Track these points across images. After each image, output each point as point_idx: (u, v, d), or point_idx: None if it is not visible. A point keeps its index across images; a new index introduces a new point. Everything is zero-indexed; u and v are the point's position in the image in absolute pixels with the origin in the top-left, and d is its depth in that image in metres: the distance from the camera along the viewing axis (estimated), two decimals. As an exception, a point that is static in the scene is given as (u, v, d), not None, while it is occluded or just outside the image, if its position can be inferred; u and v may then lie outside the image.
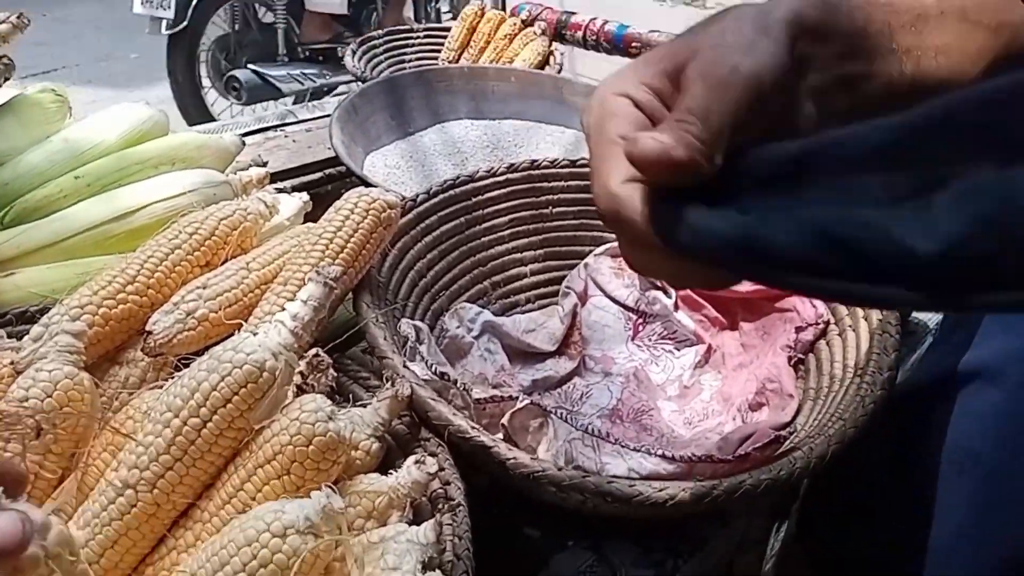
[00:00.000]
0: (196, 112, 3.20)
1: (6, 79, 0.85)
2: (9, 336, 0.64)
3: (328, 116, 1.40)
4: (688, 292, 0.84)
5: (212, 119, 3.08)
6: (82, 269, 0.70)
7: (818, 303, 0.75)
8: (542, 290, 0.91)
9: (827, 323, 0.75)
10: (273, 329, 0.57)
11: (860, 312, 0.72)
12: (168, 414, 0.53)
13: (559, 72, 1.63)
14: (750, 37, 0.41)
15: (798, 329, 0.74)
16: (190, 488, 0.54)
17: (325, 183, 1.24)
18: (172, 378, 0.61)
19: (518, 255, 0.90)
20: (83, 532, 0.52)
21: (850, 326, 0.73)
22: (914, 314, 0.94)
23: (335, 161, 1.18)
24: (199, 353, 0.62)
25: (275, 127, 1.38)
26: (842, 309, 0.75)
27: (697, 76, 0.41)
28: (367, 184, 1.04)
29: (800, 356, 0.74)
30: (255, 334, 0.57)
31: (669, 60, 0.43)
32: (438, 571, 0.48)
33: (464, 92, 1.37)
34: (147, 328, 0.62)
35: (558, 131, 1.34)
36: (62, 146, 0.82)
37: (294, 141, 1.34)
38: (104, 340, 0.63)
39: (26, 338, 0.61)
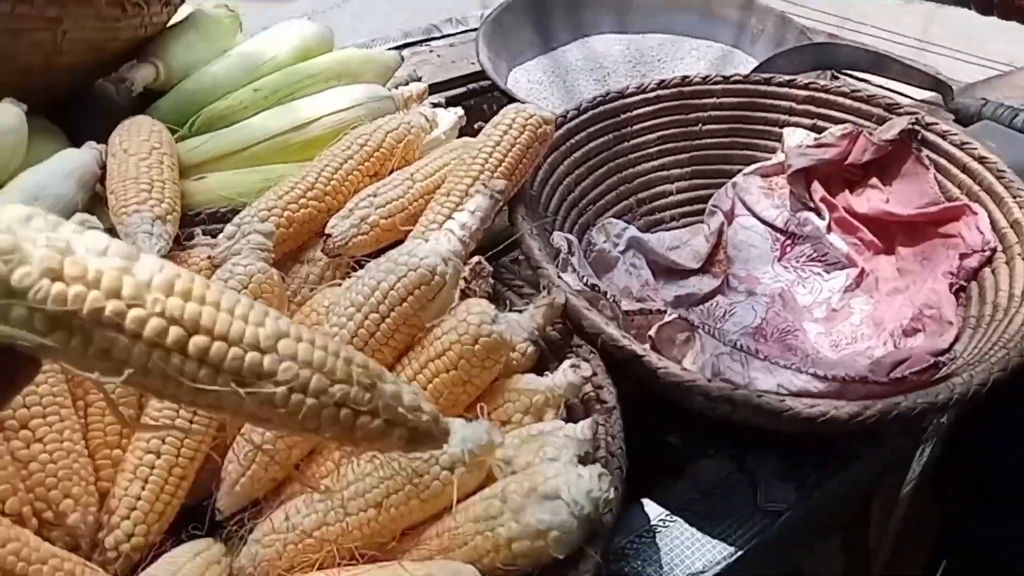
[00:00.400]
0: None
1: (186, -4, 0.91)
2: (203, 234, 0.71)
3: (471, 30, 1.42)
4: (843, 214, 0.82)
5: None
6: (265, 175, 0.77)
7: (985, 229, 0.72)
8: (687, 208, 0.91)
9: (994, 250, 0.72)
10: (443, 236, 0.60)
11: (1033, 240, 0.69)
12: (351, 309, 0.58)
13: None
14: None
15: (962, 256, 0.72)
16: (369, 377, 0.59)
17: (468, 97, 1.25)
18: (348, 276, 0.67)
19: (664, 172, 0.90)
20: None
21: (1019, 254, 0.69)
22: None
23: (478, 75, 1.20)
24: (371, 255, 0.68)
25: (420, 42, 1.40)
26: (1011, 236, 0.71)
27: None
28: (511, 98, 1.06)
29: (962, 283, 0.72)
30: (426, 241, 0.61)
31: None
32: (598, 464, 0.52)
33: (608, 4, 1.35)
34: (326, 231, 0.68)
35: (704, 45, 1.30)
36: (240, 60, 0.88)
37: (439, 56, 1.36)
38: (288, 240, 0.69)
39: (220, 236, 0.68)
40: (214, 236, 0.69)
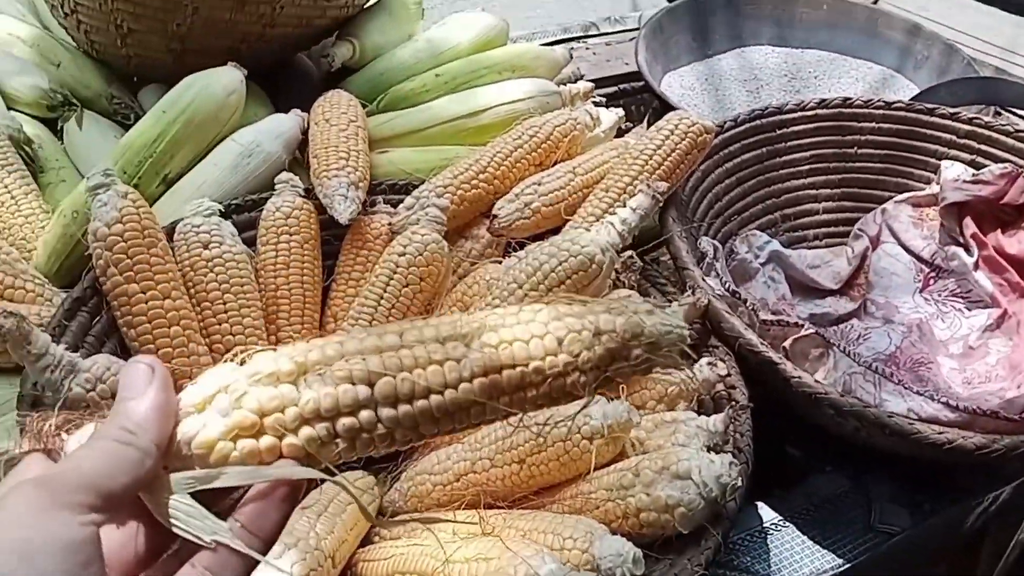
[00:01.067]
0: None
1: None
2: (384, 203, 0.79)
3: (627, 31, 1.46)
4: (992, 253, 0.82)
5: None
6: (441, 155, 0.84)
7: None
8: (831, 229, 0.92)
9: None
10: (604, 228, 0.66)
11: None
12: (513, 285, 0.65)
13: (875, 2, 1.54)
14: None
15: (1116, 309, 0.71)
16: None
17: (620, 97, 1.29)
18: (506, 256, 0.73)
19: (813, 191, 0.92)
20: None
21: None
22: None
23: (631, 76, 1.24)
24: (531, 239, 0.74)
25: (578, 38, 1.45)
26: None
27: None
28: (663, 102, 1.10)
29: (1111, 337, 0.71)
30: (588, 230, 0.66)
31: None
32: (729, 454, 0.56)
33: (770, 17, 1.35)
34: (493, 212, 0.74)
35: (865, 66, 1.29)
36: (425, 45, 0.96)
37: (594, 54, 1.40)
38: (458, 217, 0.76)
39: (400, 206, 0.76)
40: (393, 206, 0.77)
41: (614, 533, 0.54)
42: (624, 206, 0.68)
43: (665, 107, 1.06)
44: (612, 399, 0.59)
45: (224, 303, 0.66)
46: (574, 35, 1.48)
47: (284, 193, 0.73)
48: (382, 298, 0.68)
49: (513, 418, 0.53)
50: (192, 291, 0.67)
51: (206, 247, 0.68)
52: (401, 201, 0.76)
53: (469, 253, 0.76)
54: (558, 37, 1.46)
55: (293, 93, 0.94)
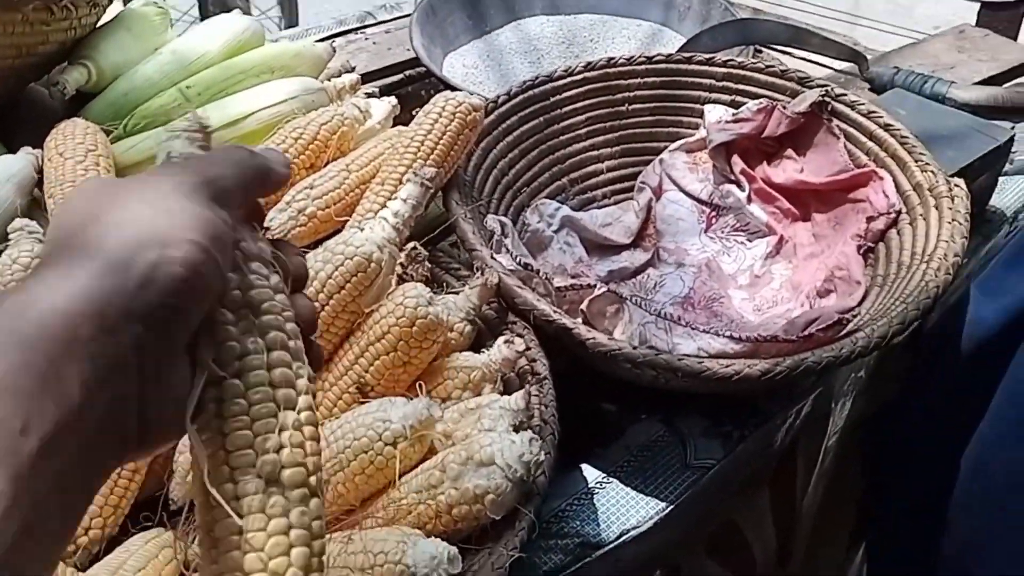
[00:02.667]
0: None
1: (116, -5, 0.92)
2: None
3: (406, 16, 1.43)
4: (761, 185, 0.87)
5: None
6: (202, 173, 0.78)
7: (890, 192, 0.77)
8: (618, 186, 0.94)
9: (899, 212, 0.77)
10: (378, 225, 0.63)
11: (932, 202, 0.74)
12: (290, 299, 0.61)
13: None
14: None
15: (869, 219, 0.77)
16: (312, 362, 0.62)
17: (406, 84, 1.27)
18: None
19: (595, 152, 0.94)
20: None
21: (921, 215, 0.75)
22: (992, 202, 0.95)
23: (415, 62, 1.21)
24: (309, 247, 0.70)
25: (355, 29, 1.41)
26: (914, 198, 0.77)
27: None
28: (447, 85, 1.09)
29: (870, 245, 0.77)
30: (362, 229, 0.63)
31: None
32: (529, 431, 0.55)
33: (540, -14, 1.37)
34: (264, 224, 0.70)
35: (634, 24, 1.34)
36: (171, 58, 0.88)
37: (374, 43, 1.37)
38: (228, 236, 0.70)
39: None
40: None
41: (430, 535, 0.52)
42: (396, 198, 0.66)
43: (451, 90, 1.05)
44: (411, 398, 0.57)
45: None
46: (351, 27, 1.44)
47: (20, 242, 0.65)
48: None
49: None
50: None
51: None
52: (163, 229, 0.70)
53: (248, 272, 0.71)
54: (333, 31, 1.41)
55: (31, 129, 0.84)
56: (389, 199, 0.70)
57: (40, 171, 0.74)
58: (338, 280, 0.60)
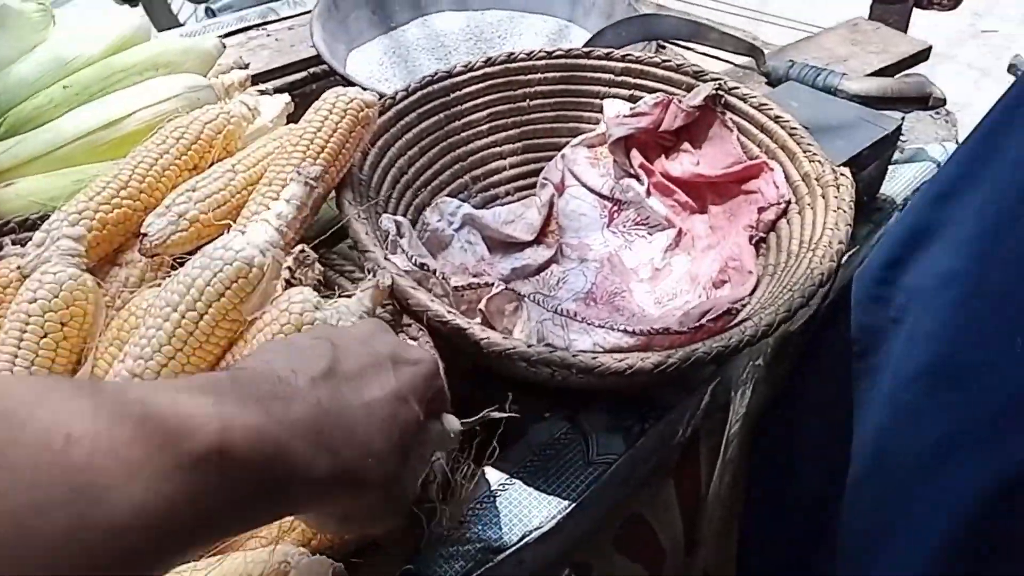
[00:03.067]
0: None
1: (-16, -10, 0.86)
2: (13, 243, 0.69)
3: (309, 12, 1.40)
4: (660, 178, 0.87)
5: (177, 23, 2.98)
6: (77, 177, 0.74)
7: (780, 183, 0.79)
8: (521, 182, 0.94)
9: (788, 203, 0.78)
10: (259, 227, 0.61)
11: (819, 191, 0.76)
12: (167, 308, 0.58)
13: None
14: None
15: (760, 209, 0.78)
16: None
17: (310, 82, 1.24)
18: (169, 277, 0.66)
19: (497, 148, 0.93)
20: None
21: (809, 204, 0.76)
22: (882, 190, 0.98)
23: (320, 59, 1.18)
24: (192, 252, 0.67)
25: (257, 26, 1.37)
26: (803, 188, 0.78)
27: None
28: (350, 83, 1.06)
29: (762, 235, 0.78)
30: (243, 233, 0.61)
31: None
32: None
33: (446, -19, 1.36)
34: (142, 230, 0.67)
35: (540, 20, 1.33)
36: (49, 56, 0.84)
37: (277, 40, 1.33)
38: (103, 243, 0.67)
39: (29, 244, 0.66)
40: (23, 245, 0.67)
41: (315, 552, 0.51)
42: (279, 199, 0.63)
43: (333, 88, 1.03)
44: None
45: None
46: (253, 23, 1.39)
47: None
48: (16, 356, 0.58)
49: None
50: None
51: None
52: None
53: (126, 282, 0.68)
54: (235, 27, 1.37)
55: None
56: (275, 200, 0.68)
57: None
58: (217, 287, 0.58)
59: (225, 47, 0.94)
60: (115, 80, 0.83)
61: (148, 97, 0.80)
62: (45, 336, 0.59)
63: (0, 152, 0.76)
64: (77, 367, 0.61)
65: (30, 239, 0.67)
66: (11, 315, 0.60)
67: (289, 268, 0.65)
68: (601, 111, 0.92)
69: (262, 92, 0.90)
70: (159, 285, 0.65)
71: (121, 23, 0.90)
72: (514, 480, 0.68)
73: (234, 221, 0.69)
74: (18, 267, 0.64)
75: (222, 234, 0.68)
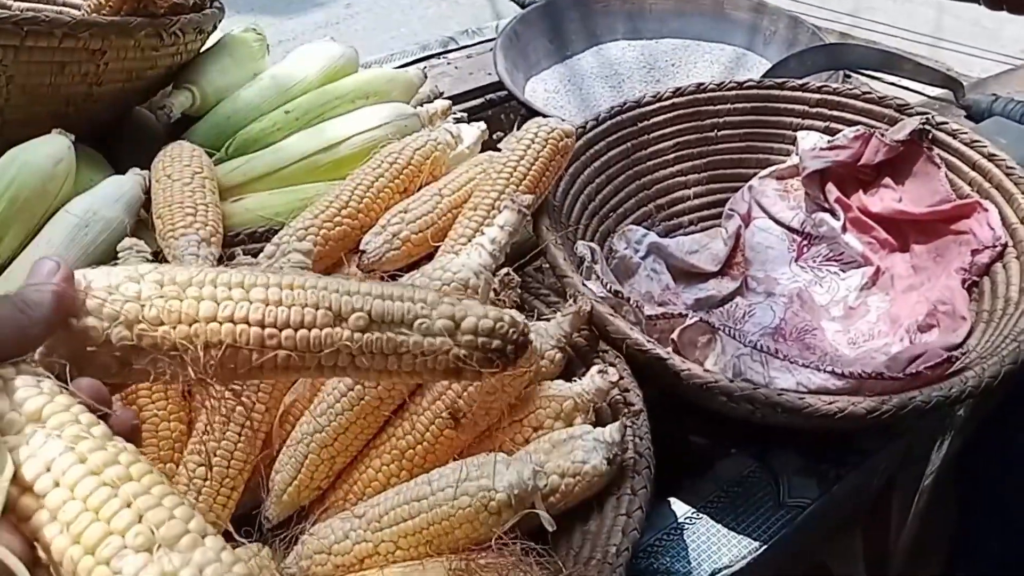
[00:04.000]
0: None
1: (219, 21, 0.95)
2: (244, 253, 0.75)
3: (487, 41, 1.45)
4: (857, 214, 0.85)
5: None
6: (299, 195, 0.80)
7: (996, 225, 0.74)
8: (705, 212, 0.93)
9: (1004, 245, 0.74)
10: (475, 251, 0.64)
11: (1041, 235, 0.71)
12: (389, 323, 0.62)
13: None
14: None
15: (974, 252, 0.74)
16: (407, 385, 0.62)
17: (487, 108, 1.28)
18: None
19: (682, 178, 0.93)
20: (320, 420, 0.62)
21: (1031, 250, 0.72)
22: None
23: (496, 86, 1.23)
24: (403, 269, 0.71)
25: (438, 54, 1.44)
26: (1021, 231, 0.73)
27: None
28: (529, 109, 1.09)
29: (975, 279, 0.74)
30: (457, 255, 0.64)
31: None
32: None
33: (621, 12, 1.37)
34: (361, 247, 0.71)
35: (717, 48, 1.33)
36: (271, 83, 0.91)
37: (456, 68, 1.39)
38: (324, 258, 0.72)
39: (261, 256, 0.72)
40: (254, 256, 0.73)
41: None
42: (492, 224, 0.66)
43: (532, 114, 1.06)
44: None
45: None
46: (433, 52, 1.46)
47: (129, 261, 0.68)
48: (252, 357, 0.63)
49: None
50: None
51: (49, 333, 0.62)
52: (263, 250, 0.72)
53: (343, 294, 0.72)
54: (417, 56, 1.44)
55: (135, 151, 0.88)
56: (482, 224, 0.71)
57: (148, 192, 0.77)
58: (435, 305, 0.61)
59: (427, 77, 0.99)
60: (331, 107, 0.89)
61: (361, 123, 0.86)
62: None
63: (230, 170, 0.84)
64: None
65: (259, 250, 0.73)
66: (248, 320, 0.65)
67: (495, 290, 0.68)
68: (792, 143, 0.90)
69: (458, 120, 0.94)
70: (374, 300, 0.69)
71: (332, 53, 0.97)
72: (701, 515, 0.67)
73: (440, 242, 0.73)
74: (251, 276, 0.70)
75: (430, 254, 0.72)
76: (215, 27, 0.93)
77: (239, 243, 0.76)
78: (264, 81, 0.92)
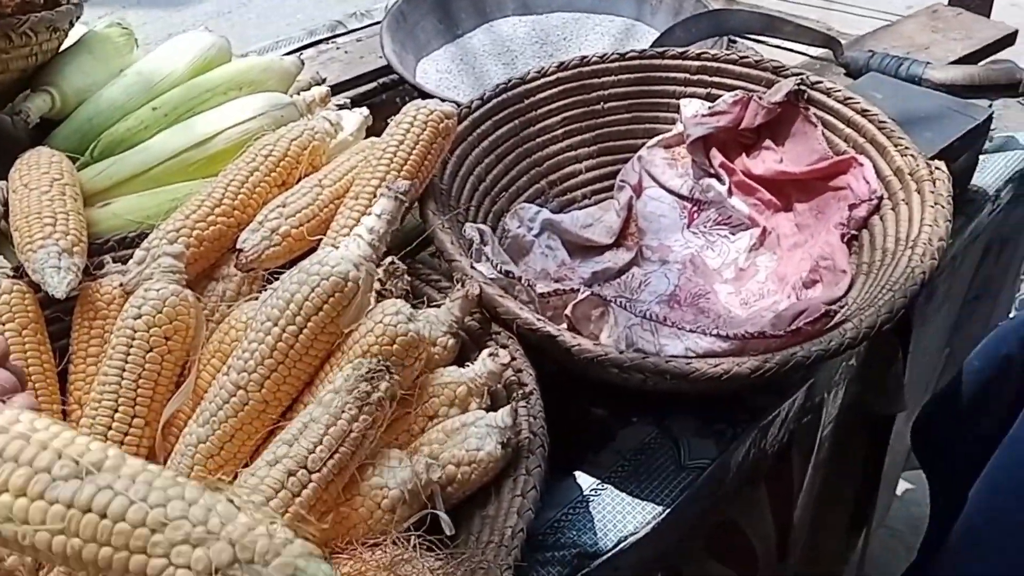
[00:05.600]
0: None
1: (76, 18, 0.90)
2: (113, 261, 0.71)
3: (377, 24, 1.42)
4: (741, 177, 0.86)
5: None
6: (171, 196, 0.76)
7: (871, 179, 0.76)
8: (597, 185, 0.93)
9: (880, 199, 0.76)
10: (353, 242, 0.62)
11: (913, 186, 0.73)
12: (268, 323, 0.59)
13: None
14: None
15: (851, 206, 0.76)
16: (292, 387, 0.60)
17: (380, 92, 1.25)
18: (264, 290, 0.68)
19: (572, 152, 0.93)
20: (203, 429, 0.60)
21: (903, 200, 0.74)
22: (974, 181, 0.94)
23: (388, 70, 1.20)
24: (285, 266, 0.69)
25: (326, 39, 1.40)
26: (895, 183, 0.76)
27: None
28: (421, 92, 1.07)
29: (854, 233, 0.76)
30: (336, 247, 0.62)
31: None
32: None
33: (510, -14, 1.36)
34: (238, 246, 0.68)
35: (607, 20, 1.33)
36: (136, 79, 0.87)
37: (346, 52, 1.35)
38: (200, 260, 0.69)
39: (131, 262, 0.68)
40: (125, 262, 0.69)
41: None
42: (370, 214, 0.64)
43: (424, 96, 1.03)
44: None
45: (-67, 422, 0.57)
46: (321, 37, 1.42)
47: (-14, 278, 0.64)
48: (124, 370, 0.60)
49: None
50: None
51: None
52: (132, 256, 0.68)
53: (223, 296, 0.69)
54: (304, 42, 1.39)
55: (-2, 161, 0.82)
56: (363, 214, 0.69)
57: (5, 203, 0.72)
58: (315, 301, 0.59)
59: (304, 64, 0.96)
60: (201, 100, 0.85)
61: (234, 116, 0.82)
62: (151, 350, 0.61)
63: (96, 174, 0.79)
64: (181, 379, 0.63)
65: (129, 256, 0.69)
66: (117, 330, 0.62)
67: (380, 280, 0.66)
68: (677, 111, 0.91)
69: (340, 106, 0.92)
70: (255, 299, 0.67)
71: (202, 44, 0.93)
72: (606, 485, 0.68)
73: (323, 234, 0.71)
74: (120, 284, 0.67)
75: (313, 247, 0.70)
76: (72, 24, 0.87)
77: (108, 250, 0.72)
78: (129, 78, 0.87)
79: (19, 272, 0.66)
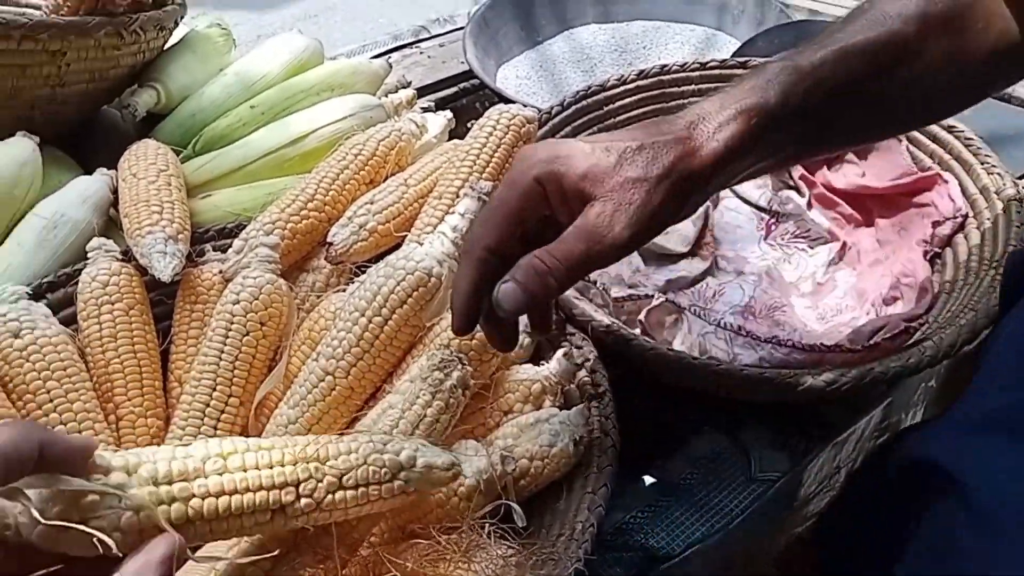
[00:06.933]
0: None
1: (181, 18, 0.95)
2: (213, 249, 0.75)
3: (459, 29, 1.45)
4: (822, 190, 0.85)
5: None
6: (267, 190, 0.80)
7: (956, 196, 0.75)
8: (674, 194, 0.93)
9: (965, 216, 0.75)
10: (437, 239, 0.64)
11: (999, 204, 0.72)
12: (355, 313, 0.62)
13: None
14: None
15: (935, 224, 0.75)
16: (376, 375, 0.63)
17: (460, 96, 1.28)
18: (351, 282, 0.71)
19: (650, 160, 0.93)
20: (293, 411, 0.63)
21: (989, 219, 0.73)
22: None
23: (469, 74, 1.23)
24: (371, 260, 0.72)
25: (410, 44, 1.43)
26: (981, 201, 0.75)
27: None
28: (501, 97, 1.09)
29: (937, 250, 0.75)
30: (421, 244, 0.65)
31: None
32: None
33: (591, -5, 1.37)
34: (328, 240, 0.72)
35: (687, 29, 1.33)
36: (235, 78, 0.91)
37: (429, 57, 1.38)
38: (292, 252, 0.73)
39: (229, 251, 0.72)
40: (224, 251, 0.73)
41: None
42: (454, 212, 0.67)
43: (504, 101, 1.06)
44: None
45: (48, 391, 0.61)
46: (405, 42, 1.46)
47: (98, 261, 0.68)
48: (223, 352, 0.64)
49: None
50: (10, 386, 0.62)
51: (17, 336, 0.62)
52: (231, 246, 0.72)
53: (313, 287, 0.73)
54: (389, 47, 1.43)
55: (104, 151, 0.88)
56: (447, 213, 0.71)
57: (115, 191, 0.77)
58: (400, 295, 0.62)
59: (391, 67, 0.99)
60: (296, 101, 0.89)
61: (326, 116, 0.86)
62: (247, 334, 0.64)
63: (198, 167, 0.84)
64: (273, 363, 0.67)
65: (228, 246, 0.73)
66: (217, 314, 0.66)
67: (461, 277, 0.69)
68: (758, 122, 0.90)
69: (425, 109, 0.95)
70: (343, 290, 0.70)
71: (296, 46, 0.97)
72: (675, 491, 0.68)
73: (408, 231, 0.73)
74: (220, 271, 0.70)
75: (398, 244, 0.73)
76: (177, 23, 0.93)
77: (208, 239, 0.76)
78: (228, 77, 0.92)
79: (127, 256, 0.70)
